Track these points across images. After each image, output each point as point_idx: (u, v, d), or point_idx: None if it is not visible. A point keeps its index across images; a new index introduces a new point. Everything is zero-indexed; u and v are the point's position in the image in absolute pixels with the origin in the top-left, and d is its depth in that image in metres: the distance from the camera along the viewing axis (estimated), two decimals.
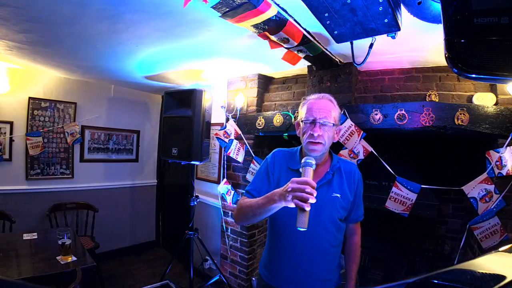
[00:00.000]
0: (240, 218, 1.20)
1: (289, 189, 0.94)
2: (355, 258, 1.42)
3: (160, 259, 3.85)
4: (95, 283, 2.69)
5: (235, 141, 2.61)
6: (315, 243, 1.22)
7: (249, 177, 2.58)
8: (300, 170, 1.05)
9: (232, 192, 2.72)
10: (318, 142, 1.16)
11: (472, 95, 1.83)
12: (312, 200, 0.91)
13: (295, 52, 1.80)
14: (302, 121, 1.23)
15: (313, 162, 1.03)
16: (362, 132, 1.91)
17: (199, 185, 3.43)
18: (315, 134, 1.14)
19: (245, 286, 2.74)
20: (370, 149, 1.91)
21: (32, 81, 3.02)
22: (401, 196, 1.83)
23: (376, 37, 1.32)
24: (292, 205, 0.95)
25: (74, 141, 3.33)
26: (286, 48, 1.72)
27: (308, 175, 1.00)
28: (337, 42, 1.37)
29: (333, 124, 1.19)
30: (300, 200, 0.91)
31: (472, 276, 0.46)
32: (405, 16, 1.17)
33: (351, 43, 1.42)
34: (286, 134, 2.32)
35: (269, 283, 1.31)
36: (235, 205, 2.77)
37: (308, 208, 0.90)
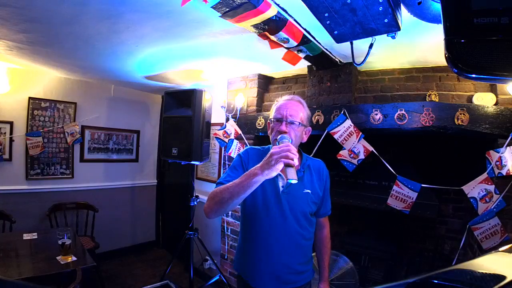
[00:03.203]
0: (213, 207, 1.11)
1: (273, 153, 0.97)
2: (326, 250, 1.50)
3: (160, 259, 3.85)
4: (95, 283, 2.69)
5: (235, 141, 2.61)
6: (290, 237, 1.27)
7: None
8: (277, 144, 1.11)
9: None
10: None
11: (472, 95, 1.83)
12: (296, 161, 0.96)
13: (295, 52, 1.80)
14: (271, 120, 1.31)
15: (289, 137, 1.13)
16: (360, 133, 1.91)
17: (199, 185, 3.42)
18: (282, 131, 1.20)
19: None
20: (371, 148, 1.91)
21: (32, 81, 3.02)
22: (402, 194, 1.84)
23: (376, 37, 1.32)
24: (275, 172, 0.97)
25: (74, 141, 3.33)
26: (286, 48, 1.71)
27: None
28: (337, 42, 1.37)
29: (300, 123, 1.25)
30: (286, 159, 0.95)
31: (472, 276, 0.46)
32: (405, 16, 1.17)
33: (351, 43, 1.42)
34: None
35: (245, 279, 1.33)
36: None
37: (295, 164, 0.96)
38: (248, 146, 1.43)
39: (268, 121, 1.34)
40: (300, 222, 1.28)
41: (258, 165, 1.01)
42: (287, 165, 0.96)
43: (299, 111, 1.26)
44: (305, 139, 1.32)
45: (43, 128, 3.11)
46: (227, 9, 1.24)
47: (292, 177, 0.95)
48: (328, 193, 1.43)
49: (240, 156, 1.35)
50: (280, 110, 1.26)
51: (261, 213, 1.27)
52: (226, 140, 2.62)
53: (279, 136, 1.13)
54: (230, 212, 2.86)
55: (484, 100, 1.76)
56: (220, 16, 1.31)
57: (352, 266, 1.90)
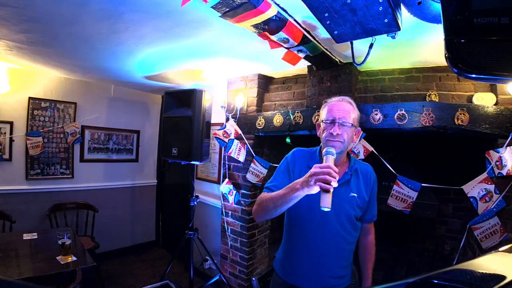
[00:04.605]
0: (259, 213, 1.21)
1: (312, 173, 0.97)
2: (370, 257, 1.47)
3: (160, 259, 3.85)
4: (95, 283, 2.69)
5: (235, 141, 2.61)
6: (333, 240, 1.26)
7: (250, 177, 2.58)
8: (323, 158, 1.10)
9: (234, 192, 2.72)
10: (337, 140, 1.20)
11: (472, 95, 1.83)
12: (335, 184, 0.95)
13: (295, 52, 1.80)
14: (322, 122, 1.28)
15: (334, 151, 1.09)
16: (361, 132, 1.91)
17: (199, 185, 3.42)
18: (335, 133, 1.19)
19: (245, 286, 2.74)
20: (371, 148, 1.91)
21: (32, 81, 3.02)
22: (402, 194, 1.85)
23: (376, 37, 1.32)
24: (314, 190, 0.98)
25: (74, 141, 3.33)
26: (286, 48, 1.71)
27: (330, 162, 1.04)
28: (337, 42, 1.37)
29: (352, 124, 1.23)
30: (324, 183, 0.94)
31: (472, 276, 0.45)
32: (405, 16, 1.17)
33: (351, 43, 1.42)
34: (289, 139, 2.28)
35: (285, 280, 1.33)
36: (236, 206, 2.77)
37: (331, 190, 0.94)
38: (294, 148, 1.42)
39: (319, 122, 1.32)
40: (344, 225, 1.27)
41: (300, 180, 1.03)
42: (323, 190, 0.94)
43: (351, 112, 1.24)
44: (355, 139, 1.31)
45: (43, 128, 3.11)
46: (227, 9, 1.24)
47: (325, 205, 0.93)
48: (375, 198, 1.40)
49: (286, 159, 1.36)
50: (332, 112, 1.24)
51: (305, 214, 1.27)
52: (226, 140, 2.62)
53: (324, 150, 1.10)
54: (230, 212, 2.86)
55: (484, 100, 1.76)
56: (220, 16, 1.31)
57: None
